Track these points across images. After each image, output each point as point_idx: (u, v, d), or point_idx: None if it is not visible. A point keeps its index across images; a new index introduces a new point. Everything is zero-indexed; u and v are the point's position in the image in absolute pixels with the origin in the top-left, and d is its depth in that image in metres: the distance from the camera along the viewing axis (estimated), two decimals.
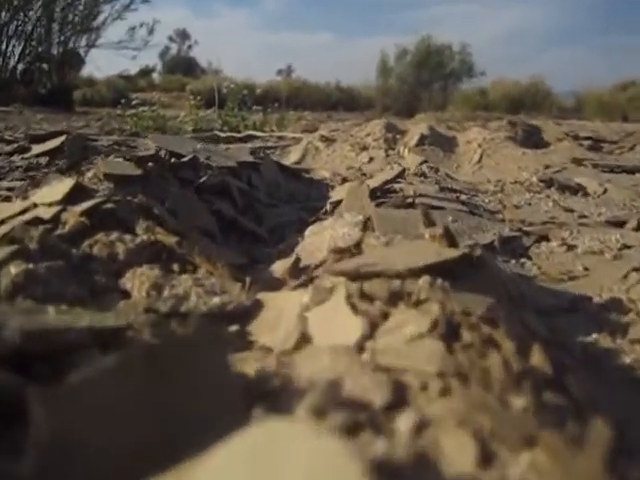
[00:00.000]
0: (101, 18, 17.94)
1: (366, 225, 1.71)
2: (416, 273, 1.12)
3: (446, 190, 2.58)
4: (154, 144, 2.52)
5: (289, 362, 0.90)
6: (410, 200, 2.15)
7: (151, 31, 19.10)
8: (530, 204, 2.39)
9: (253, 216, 2.31)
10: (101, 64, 29.77)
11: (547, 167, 4.32)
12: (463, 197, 2.48)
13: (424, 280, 1.08)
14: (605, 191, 2.80)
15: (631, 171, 3.71)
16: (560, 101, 21.18)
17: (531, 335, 1.03)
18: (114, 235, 1.53)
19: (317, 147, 5.18)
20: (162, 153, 2.41)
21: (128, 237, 1.53)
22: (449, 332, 0.90)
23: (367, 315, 1.02)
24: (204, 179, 2.20)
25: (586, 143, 5.54)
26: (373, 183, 2.31)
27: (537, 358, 0.86)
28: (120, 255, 1.48)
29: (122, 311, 1.25)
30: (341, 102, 22.02)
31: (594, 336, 1.18)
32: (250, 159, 2.86)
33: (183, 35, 36.16)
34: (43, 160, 2.71)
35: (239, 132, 8.22)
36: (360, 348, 0.88)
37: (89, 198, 1.70)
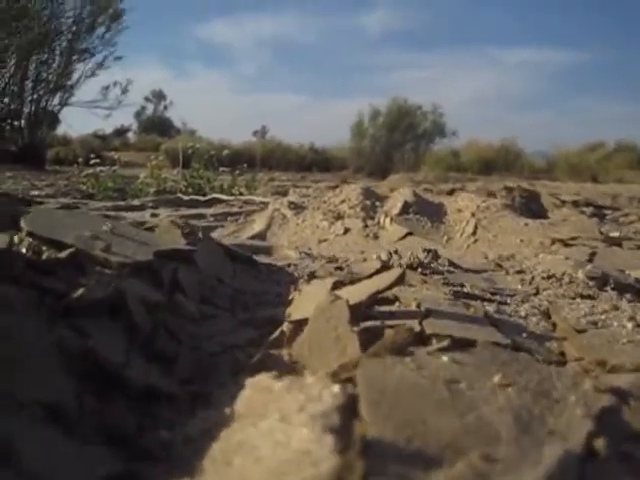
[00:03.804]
0: (75, 76, 17.29)
1: (349, 417, 0.80)
2: None
3: (461, 295, 1.69)
4: (26, 227, 1.60)
5: None
6: (417, 327, 1.25)
7: (125, 90, 18.45)
8: (597, 323, 1.50)
9: (165, 346, 1.39)
10: (77, 123, 29.04)
11: (555, 241, 3.46)
12: (489, 308, 1.59)
13: None
14: None
15: None
16: (531, 162, 20.65)
17: None
18: None
19: (285, 215, 4.30)
20: (27, 243, 1.50)
21: None
22: None
23: None
24: (80, 292, 1.28)
25: (588, 210, 4.70)
26: (356, 295, 1.40)
27: None
28: None
29: None
30: (315, 163, 21.42)
31: None
32: (180, 246, 1.96)
33: (159, 95, 35.36)
34: None
35: (204, 195, 7.36)
36: None
37: None
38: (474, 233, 3.84)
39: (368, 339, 1.23)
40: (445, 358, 1.08)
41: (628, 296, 1.83)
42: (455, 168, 18.62)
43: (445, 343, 1.19)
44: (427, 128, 21.85)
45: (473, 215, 4.01)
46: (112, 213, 5.13)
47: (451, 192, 6.39)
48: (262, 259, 2.60)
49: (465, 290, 1.79)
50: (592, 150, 20.92)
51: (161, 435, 1.03)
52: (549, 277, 2.01)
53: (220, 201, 6.70)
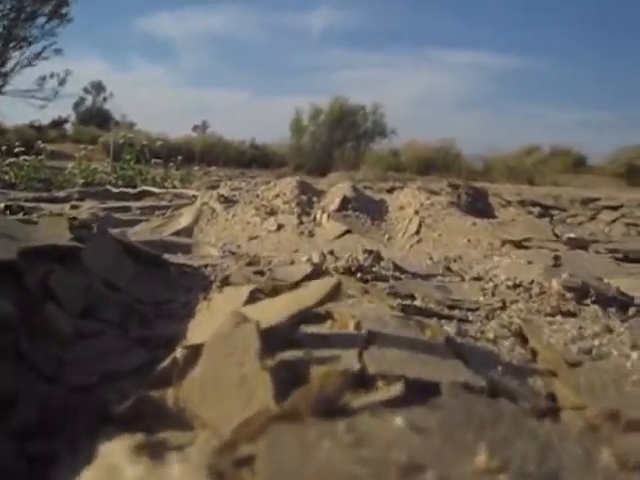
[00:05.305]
0: (10, 64, 16.47)
1: None
2: None
3: (412, 310, 1.32)
4: None
5: None
6: (356, 365, 0.88)
7: (62, 82, 17.60)
8: (591, 351, 1.14)
9: (8, 381, 0.98)
10: (12, 112, 27.85)
11: (506, 242, 3.15)
12: (448, 328, 1.22)
13: None
14: None
15: None
16: (469, 164, 20.59)
17: None
18: None
19: (214, 209, 3.88)
20: None
21: None
22: None
23: None
24: None
25: (535, 210, 4.42)
26: (273, 313, 1.02)
27: None
28: None
29: None
30: (255, 159, 20.98)
31: None
32: (60, 241, 1.54)
33: (98, 87, 34.18)
34: None
35: (135, 187, 6.89)
36: None
37: None
38: (418, 232, 3.50)
39: (287, 379, 0.85)
40: (399, 421, 0.70)
41: (612, 310, 1.49)
42: (395, 167, 18.42)
43: (397, 389, 0.81)
44: (368, 127, 21.64)
45: (417, 213, 3.67)
46: (30, 204, 4.66)
47: (391, 190, 6.11)
48: (177, 259, 2.20)
49: (416, 304, 1.42)
50: (528, 153, 21.03)
51: None
52: (515, 286, 1.66)
53: (150, 194, 6.25)
